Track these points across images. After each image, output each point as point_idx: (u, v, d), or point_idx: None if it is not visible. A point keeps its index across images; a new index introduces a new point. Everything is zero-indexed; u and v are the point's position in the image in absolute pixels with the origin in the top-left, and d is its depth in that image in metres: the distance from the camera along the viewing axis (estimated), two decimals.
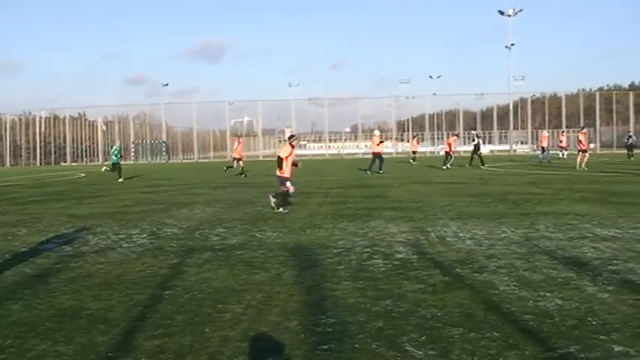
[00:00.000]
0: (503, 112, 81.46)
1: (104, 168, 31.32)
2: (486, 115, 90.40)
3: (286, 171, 14.20)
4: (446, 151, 34.99)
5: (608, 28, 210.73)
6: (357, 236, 9.93)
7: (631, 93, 79.66)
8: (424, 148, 74.28)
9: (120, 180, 27.54)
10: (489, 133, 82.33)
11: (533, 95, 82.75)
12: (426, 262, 7.78)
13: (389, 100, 77.37)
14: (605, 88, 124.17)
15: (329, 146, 78.54)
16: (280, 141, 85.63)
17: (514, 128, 76.38)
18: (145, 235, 10.62)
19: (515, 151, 72.48)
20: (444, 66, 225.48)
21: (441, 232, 10.22)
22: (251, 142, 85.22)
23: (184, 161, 74.78)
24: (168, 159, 75.25)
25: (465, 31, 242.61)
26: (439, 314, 5.40)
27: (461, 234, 9.93)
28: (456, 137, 37.56)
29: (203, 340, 4.85)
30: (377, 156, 29.49)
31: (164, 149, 75.09)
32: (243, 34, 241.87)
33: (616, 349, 4.48)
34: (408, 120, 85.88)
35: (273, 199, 14.02)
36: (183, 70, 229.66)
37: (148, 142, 79.20)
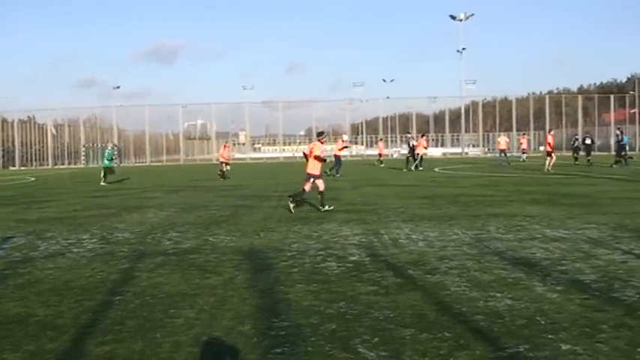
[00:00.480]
0: (456, 115, 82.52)
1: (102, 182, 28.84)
2: (439, 118, 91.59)
3: (318, 168, 14.29)
4: (416, 153, 35.40)
5: (558, 33, 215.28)
6: (310, 239, 9.94)
7: (580, 96, 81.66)
8: (375, 151, 74.68)
9: (103, 183, 27.21)
10: (442, 135, 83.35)
11: (485, 99, 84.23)
12: (379, 264, 7.83)
13: (343, 103, 77.69)
14: (555, 91, 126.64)
15: (283, 149, 78.40)
16: (235, 144, 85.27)
17: (466, 131, 77.42)
18: (95, 240, 10.45)
19: (467, 153, 73.46)
20: (398, 70, 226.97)
21: (394, 234, 10.30)
22: (205, 145, 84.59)
23: (137, 165, 73.77)
24: (120, 162, 74.16)
25: (418, 35, 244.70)
26: (392, 316, 5.44)
27: (413, 236, 10.03)
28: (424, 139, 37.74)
29: (154, 346, 4.80)
30: (338, 159, 29.67)
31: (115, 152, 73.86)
32: (198, 36, 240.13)
33: (564, 347, 4.57)
34: (361, 123, 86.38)
35: (290, 200, 14.08)
36: (136, 73, 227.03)
37: (99, 145, 77.94)
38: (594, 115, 79.34)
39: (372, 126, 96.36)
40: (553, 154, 30.81)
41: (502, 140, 42.13)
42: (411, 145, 36.83)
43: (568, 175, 26.84)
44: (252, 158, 69.20)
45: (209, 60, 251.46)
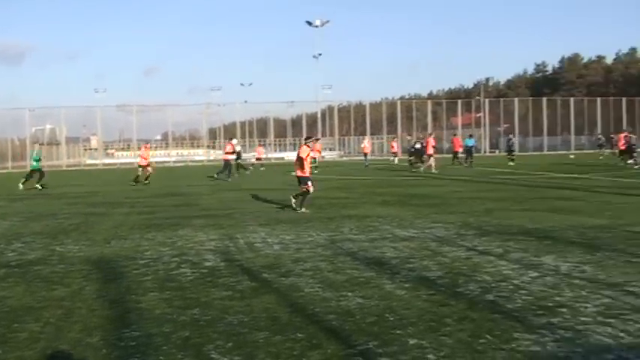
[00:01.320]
0: (312, 119, 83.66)
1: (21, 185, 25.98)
2: (296, 122, 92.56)
3: (307, 170, 14.71)
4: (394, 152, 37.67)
5: (410, 41, 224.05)
6: (164, 246, 9.73)
7: (429, 101, 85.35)
8: (234, 156, 74.33)
9: (37, 186, 25.23)
10: (299, 140, 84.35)
11: (340, 104, 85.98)
12: (234, 268, 7.80)
13: (200, 107, 76.75)
14: (407, 97, 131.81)
15: (138, 154, 76.26)
16: (86, 149, 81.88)
17: (322, 135, 78.74)
18: None
19: (323, 157, 74.77)
20: (255, 74, 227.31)
21: (250, 238, 10.30)
22: (53, 151, 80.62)
23: None
24: None
25: (276, 40, 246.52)
26: (246, 320, 5.43)
27: (269, 239, 10.08)
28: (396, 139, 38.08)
29: None
30: (227, 162, 29.24)
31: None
32: (47, 38, 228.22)
33: (411, 342, 4.75)
34: (219, 127, 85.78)
35: (293, 200, 14.55)
36: None
37: None
38: (443, 119, 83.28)
39: (230, 130, 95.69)
40: (433, 157, 32.15)
41: (366, 144, 43.44)
42: (420, 146, 36.66)
43: (419, 177, 27.98)
44: (104, 164, 66.71)
45: (59, 62, 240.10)
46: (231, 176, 28.77)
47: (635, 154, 31.84)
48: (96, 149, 79.00)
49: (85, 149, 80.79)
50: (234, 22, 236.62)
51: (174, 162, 66.97)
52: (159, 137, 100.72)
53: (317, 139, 31.71)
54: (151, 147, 29.49)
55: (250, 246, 9.52)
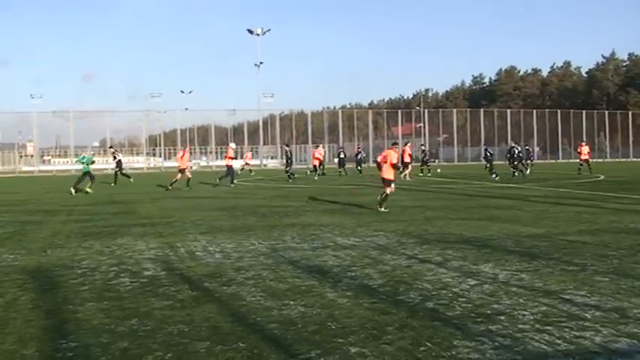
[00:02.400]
0: (254, 127, 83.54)
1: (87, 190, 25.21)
2: (238, 130, 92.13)
3: (391, 173, 15.80)
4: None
5: (351, 52, 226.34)
6: (103, 255, 9.53)
7: (370, 111, 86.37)
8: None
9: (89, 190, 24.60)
10: (241, 147, 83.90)
11: (282, 112, 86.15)
12: (174, 277, 7.69)
13: (140, 114, 75.51)
14: (348, 106, 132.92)
15: (75, 161, 74.65)
16: (21, 156, 79.77)
17: (264, 143, 78.66)
18: None
19: (265, 165, 74.58)
20: (197, 81, 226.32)
21: (191, 246, 10.19)
22: None
23: None
24: None
25: (217, 48, 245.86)
26: (186, 330, 5.35)
27: (210, 248, 9.98)
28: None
29: None
30: (230, 168, 28.90)
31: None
32: None
33: (352, 350, 4.76)
34: (160, 135, 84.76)
35: (380, 199, 15.86)
36: None
37: None
38: (384, 128, 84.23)
39: (170, 138, 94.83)
40: (410, 165, 32.96)
41: (319, 152, 43.39)
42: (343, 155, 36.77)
43: (361, 185, 28.18)
44: (40, 171, 65.11)
45: None
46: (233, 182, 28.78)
47: (516, 164, 33.26)
48: (32, 156, 77.07)
49: (21, 156, 78.75)
50: (175, 29, 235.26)
51: (113, 169, 65.78)
52: (96, 144, 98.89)
53: (230, 145, 31.65)
54: (190, 151, 28.78)
55: (191, 255, 9.41)
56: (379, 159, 16.46)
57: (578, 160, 37.05)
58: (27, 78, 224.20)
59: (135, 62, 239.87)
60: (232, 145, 32.01)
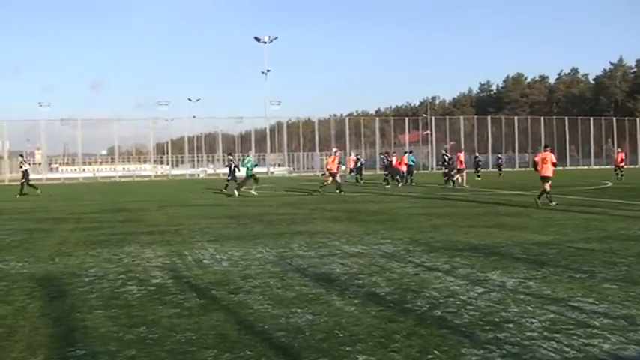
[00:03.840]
0: (261, 135, 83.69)
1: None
2: (245, 138, 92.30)
3: (550, 171, 18.46)
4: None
5: (359, 60, 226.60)
6: (110, 262, 9.55)
7: (377, 119, 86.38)
8: (184, 171, 73.90)
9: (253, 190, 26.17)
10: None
11: (289, 120, 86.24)
12: (182, 285, 7.70)
13: (147, 122, 75.53)
14: (355, 114, 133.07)
15: (83, 169, 74.92)
16: (30, 164, 79.96)
17: (271, 151, 78.73)
18: None
19: (272, 173, 74.66)
20: (204, 89, 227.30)
21: (198, 254, 10.19)
22: None
23: None
24: None
25: (224, 56, 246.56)
26: (194, 337, 5.35)
27: (218, 256, 9.99)
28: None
29: None
30: (333, 175, 28.59)
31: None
32: None
33: (360, 358, 4.75)
34: (167, 142, 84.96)
35: (542, 198, 18.35)
36: None
37: None
38: (391, 136, 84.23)
39: (177, 146, 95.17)
40: (464, 171, 33.37)
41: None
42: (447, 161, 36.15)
43: (366, 193, 28.17)
44: (48, 179, 65.25)
45: (4, 76, 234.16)
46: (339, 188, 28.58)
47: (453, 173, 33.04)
48: (40, 164, 77.34)
49: (29, 164, 78.87)
50: (183, 38, 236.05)
51: (121, 177, 66.05)
52: (104, 152, 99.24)
53: (333, 151, 31.72)
54: (338, 155, 29.44)
55: (198, 262, 9.42)
56: (537, 159, 19.13)
57: (613, 167, 37.92)
58: (37, 86, 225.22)
59: (143, 70, 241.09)
60: (334, 150, 32.14)
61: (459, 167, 33.24)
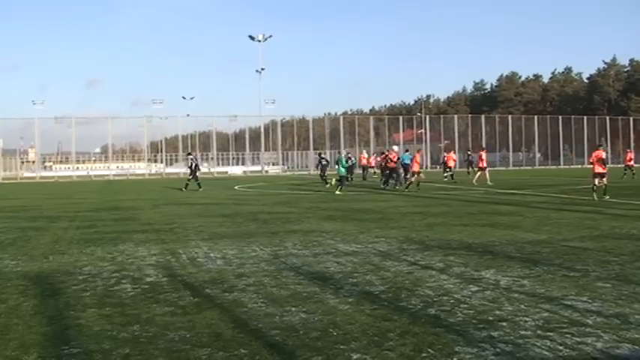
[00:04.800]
0: (256, 133, 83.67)
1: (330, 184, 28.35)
2: (239, 136, 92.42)
3: (601, 167, 20.21)
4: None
5: (351, 57, 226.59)
6: (104, 261, 9.53)
7: (371, 117, 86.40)
8: (178, 169, 73.71)
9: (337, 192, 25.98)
10: (242, 154, 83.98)
11: (284, 118, 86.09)
12: (176, 284, 7.69)
13: (141, 120, 75.22)
14: (349, 112, 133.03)
15: (77, 167, 74.70)
16: (23, 162, 79.79)
17: (265, 149, 78.62)
18: None
19: (267, 172, 74.57)
20: (198, 88, 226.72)
21: (193, 253, 10.19)
22: None
23: None
24: None
25: (219, 54, 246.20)
26: (188, 336, 5.35)
27: (212, 254, 9.98)
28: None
29: None
30: (394, 170, 29.83)
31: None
32: None
33: (354, 357, 4.76)
34: (161, 141, 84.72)
35: (596, 191, 20.01)
36: None
37: None
38: (385, 134, 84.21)
39: (171, 144, 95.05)
40: (487, 169, 33.52)
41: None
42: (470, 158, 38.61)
43: (361, 192, 28.18)
44: (42, 177, 65.04)
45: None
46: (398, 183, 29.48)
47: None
48: (33, 162, 77.11)
49: (23, 162, 78.83)
50: (178, 36, 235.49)
51: (115, 175, 65.88)
52: (98, 150, 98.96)
53: (393, 148, 32.22)
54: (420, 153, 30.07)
55: (193, 261, 9.41)
56: (591, 159, 21.04)
57: (623, 165, 38.17)
58: (32, 84, 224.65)
59: (138, 68, 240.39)
60: (395, 148, 32.92)
61: (480, 166, 33.60)
